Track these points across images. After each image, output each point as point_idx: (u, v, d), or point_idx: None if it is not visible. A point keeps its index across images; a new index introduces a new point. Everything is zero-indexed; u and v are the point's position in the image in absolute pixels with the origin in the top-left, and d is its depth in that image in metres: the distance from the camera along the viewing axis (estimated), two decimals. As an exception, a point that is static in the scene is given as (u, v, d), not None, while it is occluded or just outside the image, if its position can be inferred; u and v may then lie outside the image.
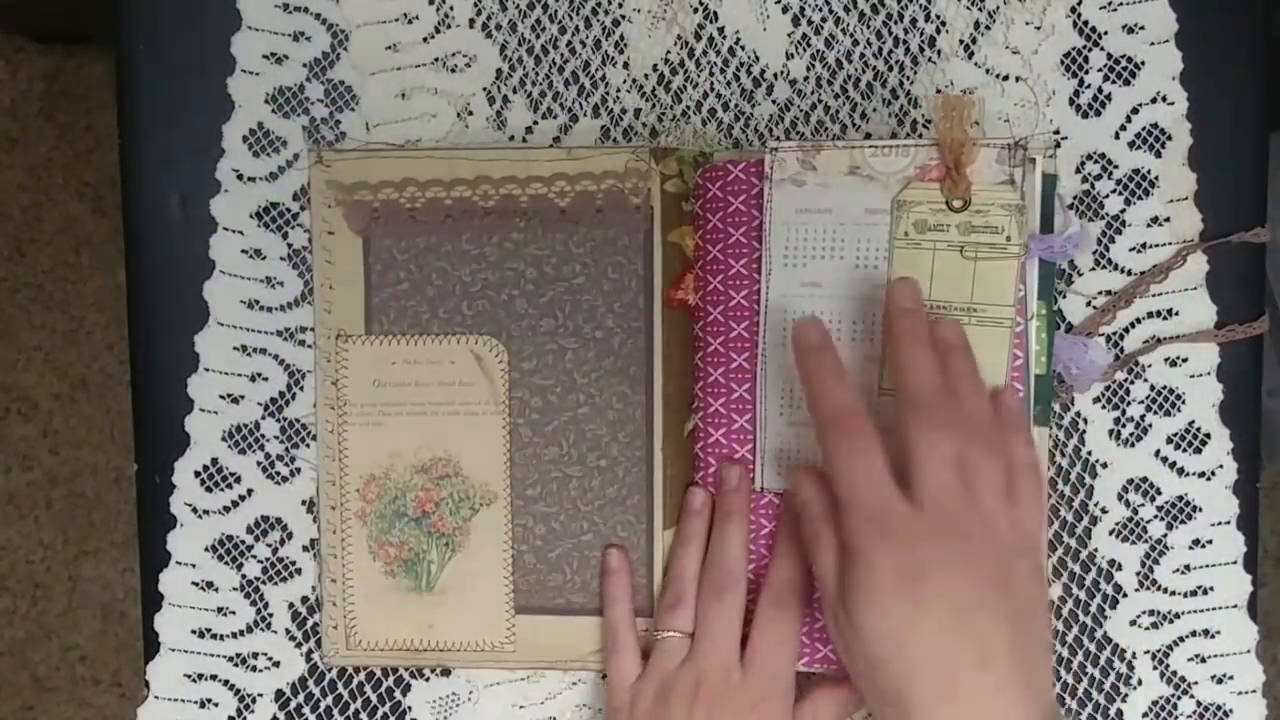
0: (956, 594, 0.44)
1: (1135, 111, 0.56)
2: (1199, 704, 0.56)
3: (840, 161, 0.53)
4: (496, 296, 0.55)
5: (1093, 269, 0.56)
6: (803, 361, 0.49)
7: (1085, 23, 0.56)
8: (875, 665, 0.45)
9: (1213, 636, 0.56)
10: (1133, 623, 0.56)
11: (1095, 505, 0.56)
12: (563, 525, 0.55)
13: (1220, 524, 0.56)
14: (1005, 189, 0.52)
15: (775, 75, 0.57)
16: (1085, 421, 0.56)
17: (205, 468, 0.57)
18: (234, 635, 0.57)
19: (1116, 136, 0.56)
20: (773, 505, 0.54)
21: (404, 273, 0.55)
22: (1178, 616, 0.56)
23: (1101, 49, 0.56)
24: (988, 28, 0.57)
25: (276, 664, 0.57)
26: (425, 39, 0.57)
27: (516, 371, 0.55)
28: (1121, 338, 0.56)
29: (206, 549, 0.57)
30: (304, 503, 0.57)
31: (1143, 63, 0.56)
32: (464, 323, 0.55)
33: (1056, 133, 0.56)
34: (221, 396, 0.56)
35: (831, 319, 0.53)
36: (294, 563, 0.57)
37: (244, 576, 0.57)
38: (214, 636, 0.57)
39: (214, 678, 0.57)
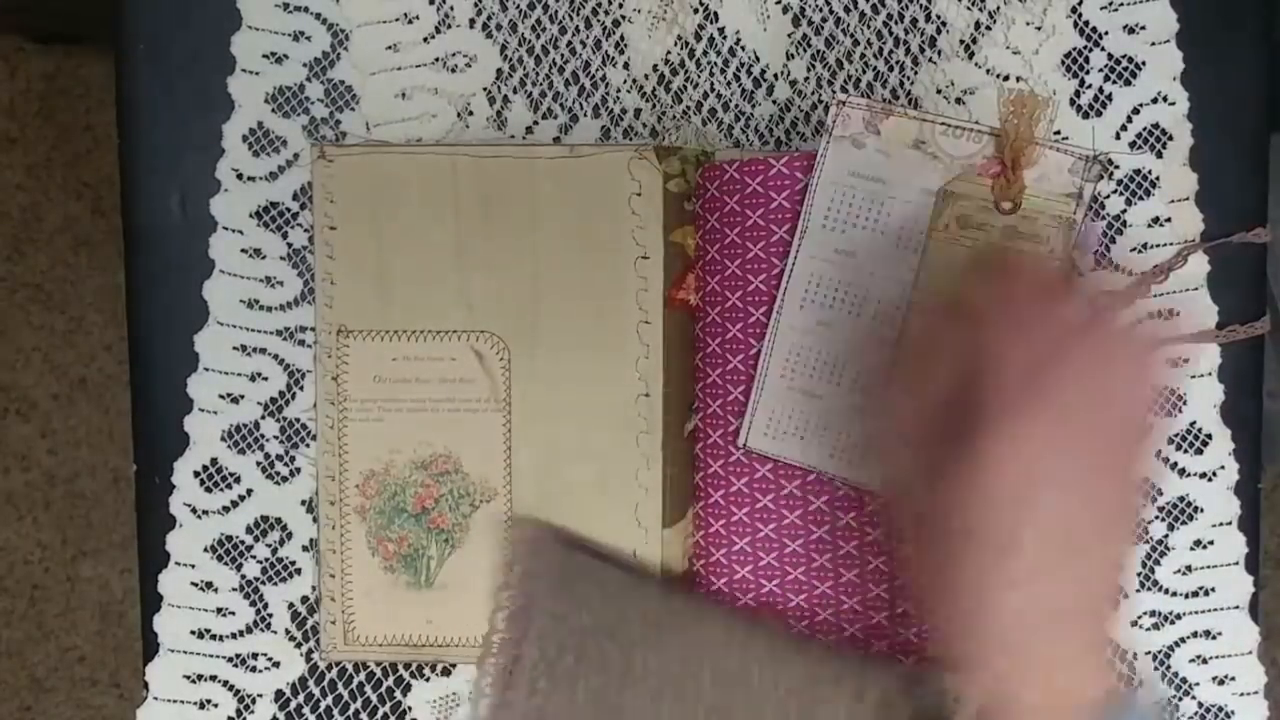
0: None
1: (1136, 112, 0.56)
2: (1200, 705, 0.56)
3: (907, 132, 0.51)
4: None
5: (1093, 269, 0.56)
6: None
7: (1086, 23, 0.56)
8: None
9: (1214, 638, 0.56)
10: (1134, 623, 0.56)
11: (1096, 506, 0.56)
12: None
13: (1221, 525, 0.56)
14: (1060, 201, 0.49)
15: (775, 75, 0.57)
16: (1086, 422, 0.56)
17: (204, 468, 0.56)
18: (233, 636, 0.57)
19: (1117, 137, 0.56)
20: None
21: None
22: (1179, 617, 0.56)
23: (1102, 49, 0.56)
24: (988, 28, 0.57)
25: (276, 664, 0.57)
26: (425, 39, 0.57)
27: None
28: (1122, 338, 0.56)
29: (206, 549, 0.56)
30: (304, 503, 0.56)
31: (1143, 63, 0.56)
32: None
33: (1058, 133, 0.56)
34: (221, 396, 0.56)
35: (856, 292, 0.51)
36: (293, 563, 0.56)
37: (243, 577, 0.56)
38: (213, 637, 0.57)
39: (213, 678, 0.57)
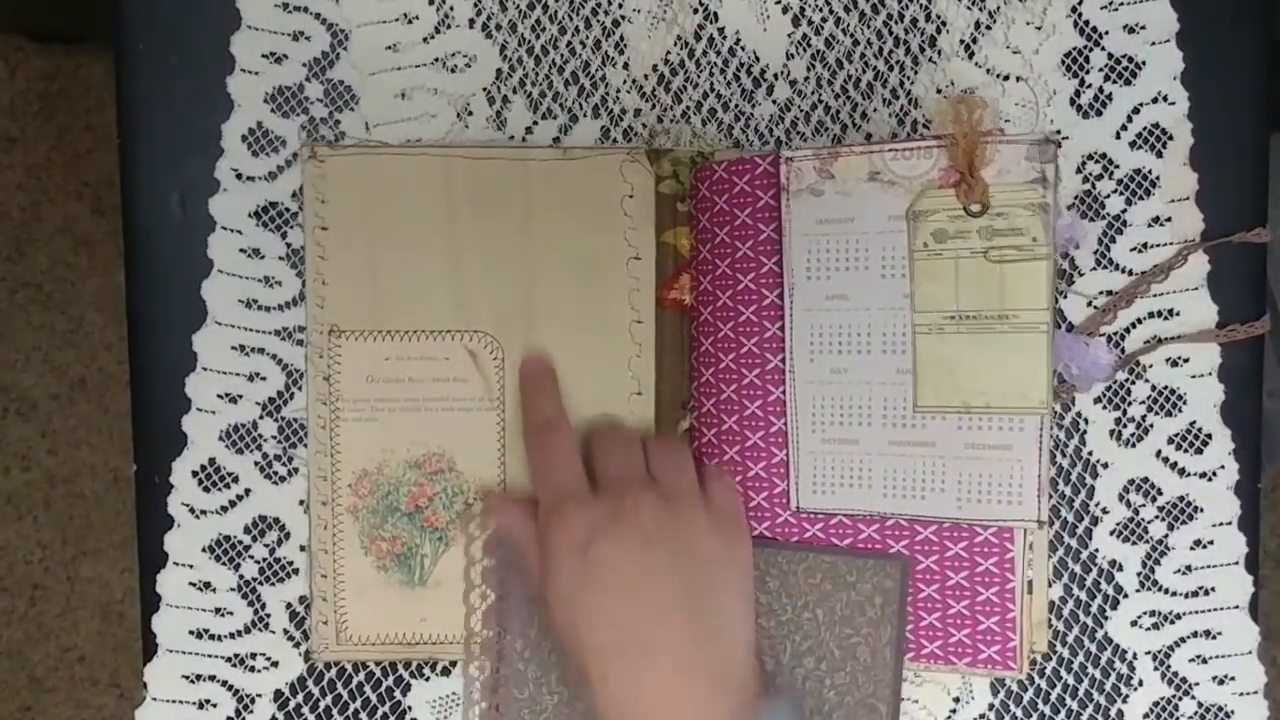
0: (625, 571, 0.47)
1: (1136, 111, 0.56)
2: (1200, 705, 0.56)
3: (859, 168, 0.51)
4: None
5: (1094, 269, 0.56)
6: (524, 388, 0.54)
7: (1086, 22, 0.56)
8: (562, 634, 0.48)
9: (1214, 637, 0.56)
10: (1134, 623, 0.56)
11: (1096, 506, 0.56)
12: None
13: (1221, 525, 0.56)
14: (1027, 189, 0.49)
15: (775, 75, 0.57)
16: (1086, 422, 0.56)
17: (203, 467, 0.56)
18: (232, 636, 0.56)
19: (1117, 136, 0.56)
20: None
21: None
22: (1179, 617, 0.56)
23: (1102, 49, 0.56)
24: (988, 28, 0.57)
25: (275, 664, 0.57)
26: (425, 39, 0.57)
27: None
28: (1122, 338, 0.56)
29: (204, 549, 0.56)
30: (301, 502, 0.56)
31: (1144, 62, 0.56)
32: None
33: (1058, 133, 0.56)
34: (219, 396, 0.56)
35: (859, 331, 0.52)
36: (291, 563, 0.56)
37: (241, 577, 0.56)
38: (212, 637, 0.56)
39: (212, 678, 0.56)
